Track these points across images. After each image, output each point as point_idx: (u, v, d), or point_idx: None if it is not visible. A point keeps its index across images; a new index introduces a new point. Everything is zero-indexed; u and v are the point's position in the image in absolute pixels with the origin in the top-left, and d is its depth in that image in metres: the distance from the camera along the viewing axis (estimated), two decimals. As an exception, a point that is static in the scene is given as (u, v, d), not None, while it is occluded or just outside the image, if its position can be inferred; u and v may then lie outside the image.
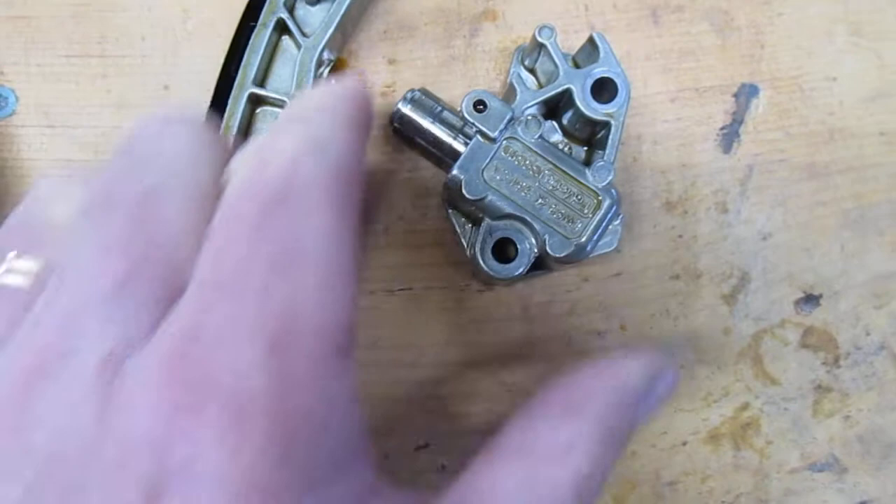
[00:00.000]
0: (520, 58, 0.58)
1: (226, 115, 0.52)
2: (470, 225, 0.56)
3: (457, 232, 0.56)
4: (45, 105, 0.58)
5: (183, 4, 0.59)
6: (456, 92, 0.58)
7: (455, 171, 0.50)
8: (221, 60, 0.58)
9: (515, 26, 0.59)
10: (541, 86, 0.57)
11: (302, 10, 0.54)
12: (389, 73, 0.59)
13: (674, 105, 0.59)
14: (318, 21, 0.55)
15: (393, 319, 0.57)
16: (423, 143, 0.53)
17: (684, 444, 0.57)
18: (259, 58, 0.52)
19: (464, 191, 0.50)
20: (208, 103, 0.53)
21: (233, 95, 0.52)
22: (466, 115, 0.50)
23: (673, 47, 0.60)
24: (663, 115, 0.59)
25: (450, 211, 0.56)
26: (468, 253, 0.56)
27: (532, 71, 0.57)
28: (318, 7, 0.55)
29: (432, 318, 0.57)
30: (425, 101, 0.52)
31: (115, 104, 0.58)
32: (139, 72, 0.58)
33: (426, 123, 0.52)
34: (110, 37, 0.58)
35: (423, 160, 0.56)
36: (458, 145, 0.51)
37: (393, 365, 0.56)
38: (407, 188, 0.58)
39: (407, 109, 0.52)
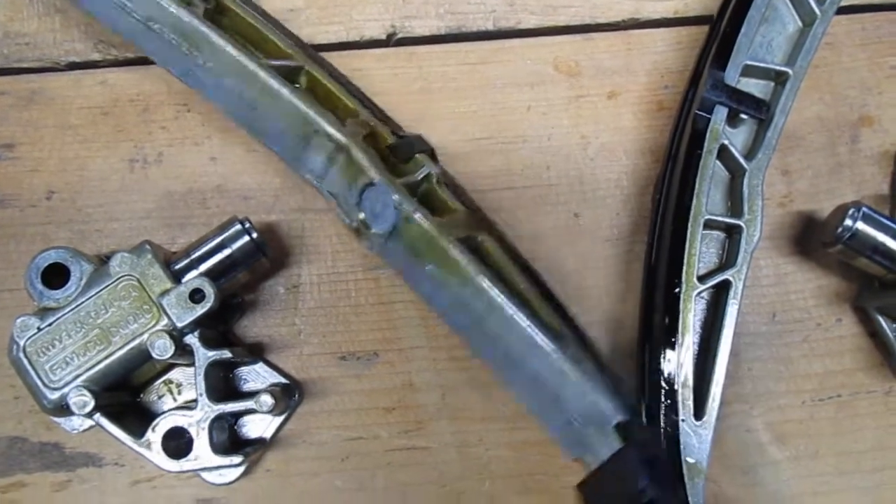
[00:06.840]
0: (905, 159, 0.60)
1: (687, 243, 0.52)
2: (897, 325, 0.57)
3: (882, 333, 0.57)
4: (461, 241, 0.57)
5: (581, 131, 0.59)
6: (847, 197, 0.60)
7: (930, 280, 0.51)
8: (625, 184, 0.59)
9: (892, 130, 0.61)
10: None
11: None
12: (784, 184, 0.60)
13: None
14: (739, 142, 0.56)
15: (827, 427, 0.57)
16: (870, 255, 0.54)
17: None
18: (708, 184, 0.53)
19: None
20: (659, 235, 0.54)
21: (691, 224, 0.52)
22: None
23: None
24: None
25: (877, 316, 0.57)
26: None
27: (921, 170, 0.60)
28: (738, 129, 0.56)
29: (863, 424, 0.57)
30: (874, 215, 0.54)
31: (529, 236, 0.58)
32: (548, 201, 0.58)
33: (881, 237, 0.53)
34: (515, 169, 0.59)
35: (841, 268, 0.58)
36: (915, 255, 0.53)
37: (832, 474, 0.56)
38: (819, 295, 0.59)
39: (860, 226, 0.53)
